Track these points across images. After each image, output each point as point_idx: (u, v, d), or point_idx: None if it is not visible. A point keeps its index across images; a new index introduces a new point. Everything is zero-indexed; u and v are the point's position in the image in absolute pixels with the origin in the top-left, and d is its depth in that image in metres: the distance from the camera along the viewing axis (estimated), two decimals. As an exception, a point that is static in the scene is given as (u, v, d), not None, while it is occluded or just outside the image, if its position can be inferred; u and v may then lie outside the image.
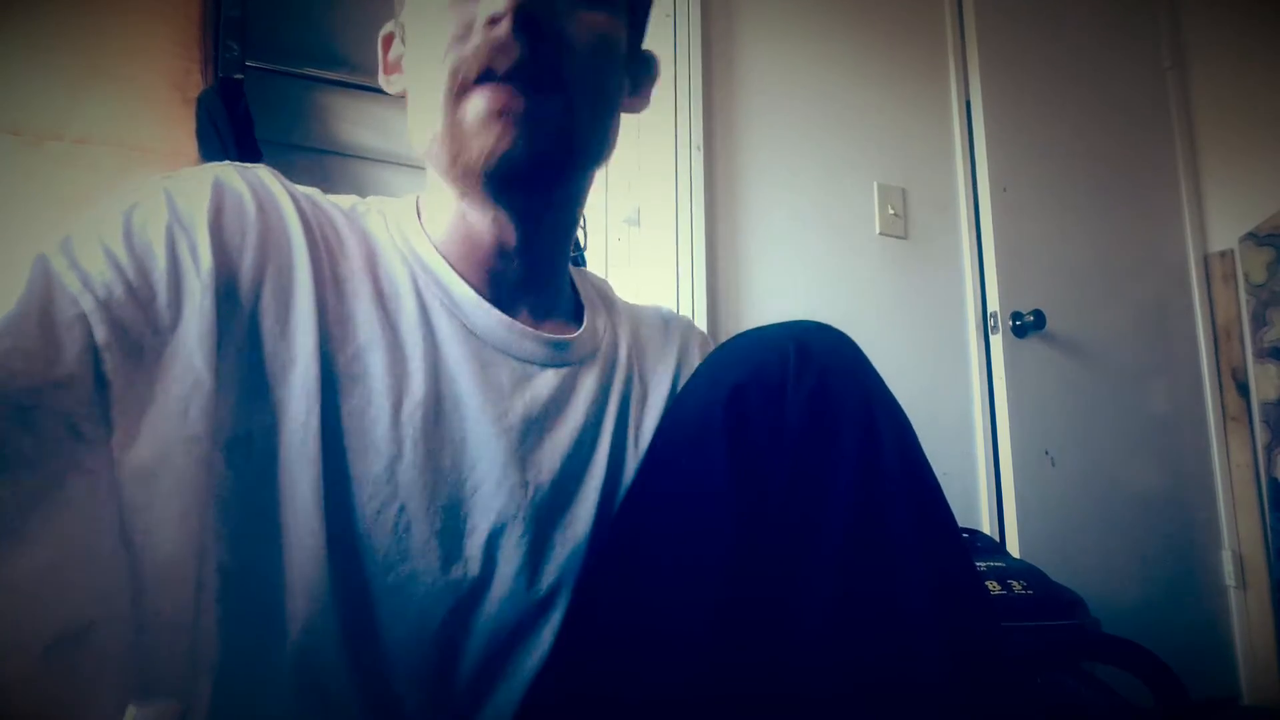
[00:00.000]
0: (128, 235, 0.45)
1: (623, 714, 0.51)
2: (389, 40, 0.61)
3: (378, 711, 0.51)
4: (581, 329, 0.62)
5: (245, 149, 1.20)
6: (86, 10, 1.20)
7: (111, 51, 1.20)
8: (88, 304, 0.41)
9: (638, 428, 0.63)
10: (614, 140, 0.58)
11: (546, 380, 0.58)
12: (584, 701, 0.53)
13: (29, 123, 1.14)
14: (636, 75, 0.62)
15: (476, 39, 0.50)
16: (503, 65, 0.49)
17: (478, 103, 0.50)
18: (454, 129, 0.51)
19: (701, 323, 1.59)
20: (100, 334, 0.41)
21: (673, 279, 1.64)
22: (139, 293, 0.43)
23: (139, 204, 0.47)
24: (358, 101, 1.46)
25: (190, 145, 1.20)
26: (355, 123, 1.46)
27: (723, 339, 0.61)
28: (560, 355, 0.59)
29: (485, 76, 0.50)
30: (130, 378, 0.42)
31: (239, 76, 1.26)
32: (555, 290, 0.62)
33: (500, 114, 0.50)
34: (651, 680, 0.50)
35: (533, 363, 0.58)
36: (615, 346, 0.65)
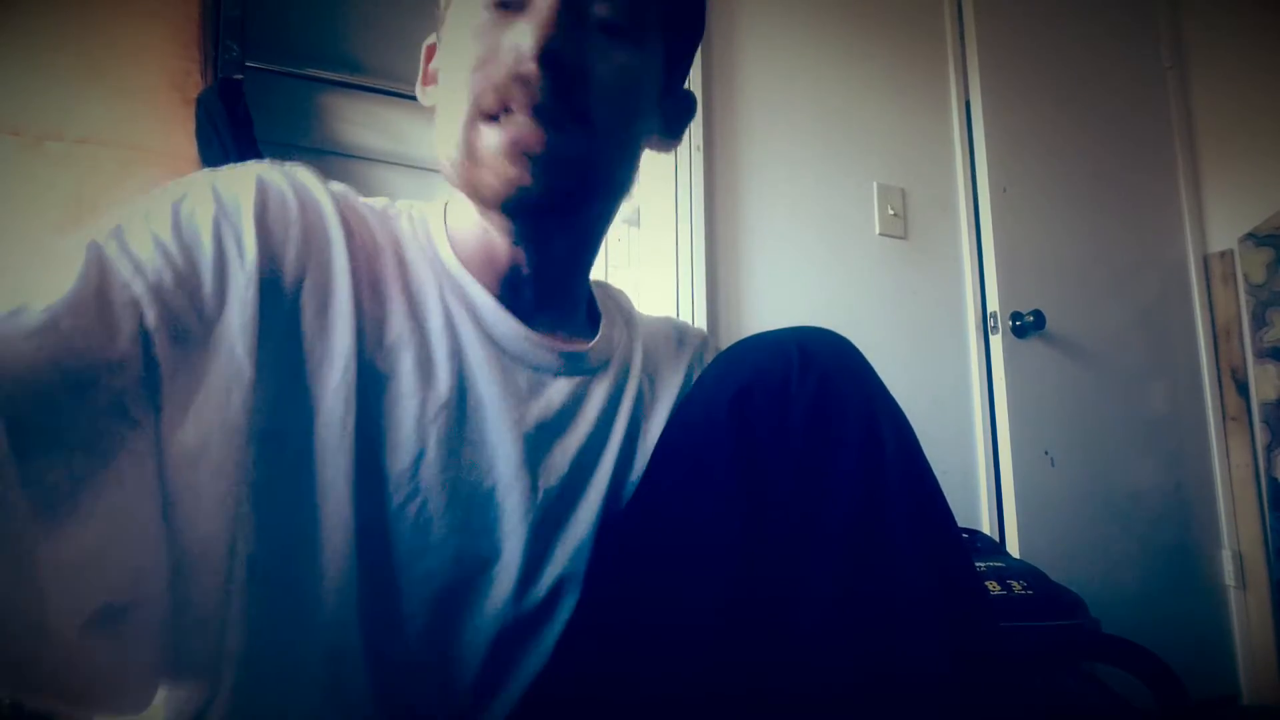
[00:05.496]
0: (176, 225, 0.46)
1: (627, 710, 0.51)
2: (431, 51, 0.61)
3: (393, 701, 0.52)
4: (595, 341, 0.63)
5: (244, 149, 1.20)
6: (86, 10, 1.20)
7: (111, 52, 1.20)
8: (139, 289, 0.42)
9: (644, 437, 0.64)
10: (634, 177, 0.59)
11: (560, 389, 0.59)
12: (589, 697, 0.53)
13: (29, 123, 1.14)
14: (669, 116, 0.62)
15: (500, 68, 0.50)
16: (524, 98, 0.50)
17: (494, 135, 0.51)
18: (470, 157, 0.52)
19: (701, 322, 1.59)
20: (151, 318, 0.42)
21: (673, 279, 1.64)
22: (186, 280, 0.44)
23: (187, 195, 0.48)
24: (358, 102, 1.46)
25: (190, 145, 1.20)
26: (356, 123, 1.46)
27: (723, 338, 0.62)
28: (574, 365, 0.61)
29: (504, 108, 0.50)
30: (177, 363, 0.43)
31: (239, 77, 1.25)
32: (573, 304, 0.64)
33: (516, 148, 0.50)
34: (655, 677, 0.51)
35: (547, 371, 0.59)
36: (628, 358, 0.66)
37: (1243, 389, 2.11)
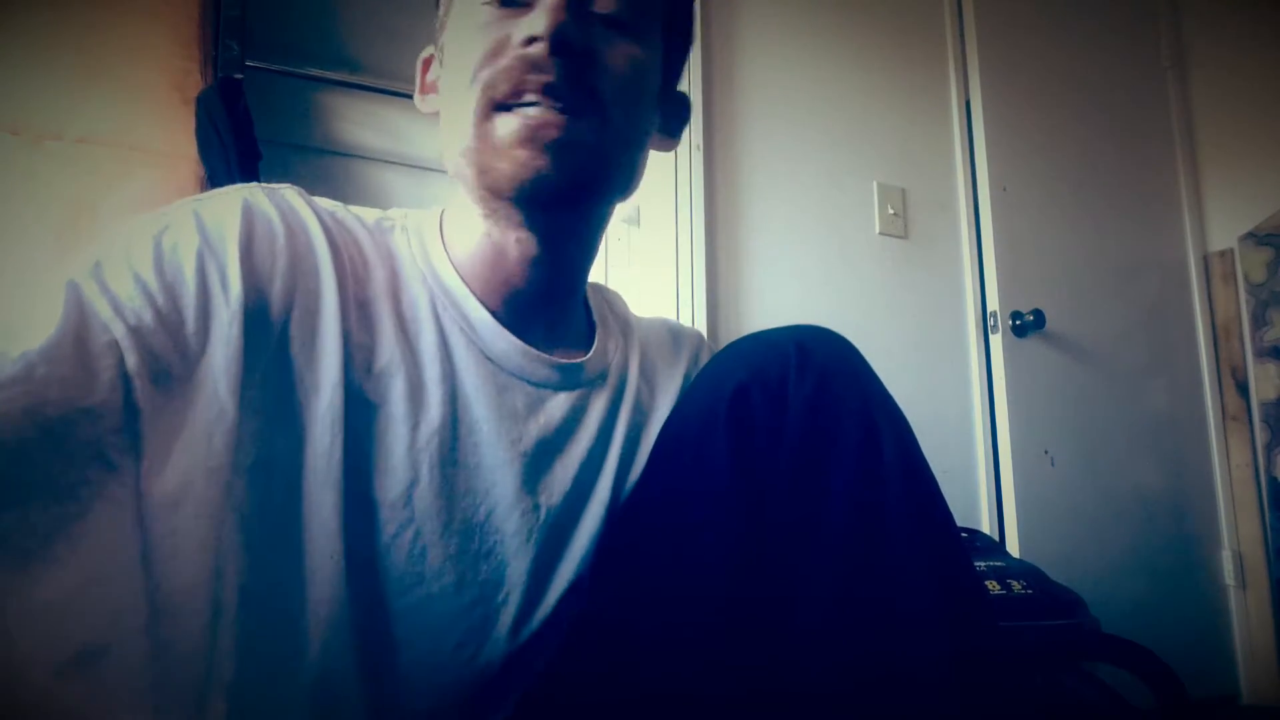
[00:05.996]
0: (158, 261, 0.45)
1: (627, 710, 0.51)
2: (428, 63, 0.61)
3: None
4: (592, 352, 0.62)
5: (244, 149, 1.20)
6: (86, 10, 1.20)
7: (111, 51, 1.20)
8: (119, 331, 0.41)
9: (644, 443, 0.63)
10: (641, 174, 0.58)
11: (559, 404, 0.59)
12: (588, 699, 0.53)
13: (29, 122, 1.14)
14: (668, 115, 0.62)
15: (511, 56, 0.50)
16: (537, 84, 0.50)
17: (510, 122, 0.50)
18: (483, 145, 0.51)
19: (701, 322, 1.59)
20: (131, 361, 0.41)
21: (672, 279, 1.64)
22: (168, 320, 0.43)
23: (169, 227, 0.47)
24: (358, 101, 1.46)
25: (190, 145, 1.20)
26: (355, 122, 1.46)
27: (722, 338, 0.62)
28: (573, 378, 0.60)
29: (518, 95, 0.50)
30: (158, 406, 0.42)
31: (239, 76, 1.26)
32: (571, 312, 0.63)
33: (533, 134, 0.50)
34: (655, 677, 0.51)
35: (546, 386, 0.58)
36: (625, 366, 0.65)
37: (1243, 388, 2.11)
